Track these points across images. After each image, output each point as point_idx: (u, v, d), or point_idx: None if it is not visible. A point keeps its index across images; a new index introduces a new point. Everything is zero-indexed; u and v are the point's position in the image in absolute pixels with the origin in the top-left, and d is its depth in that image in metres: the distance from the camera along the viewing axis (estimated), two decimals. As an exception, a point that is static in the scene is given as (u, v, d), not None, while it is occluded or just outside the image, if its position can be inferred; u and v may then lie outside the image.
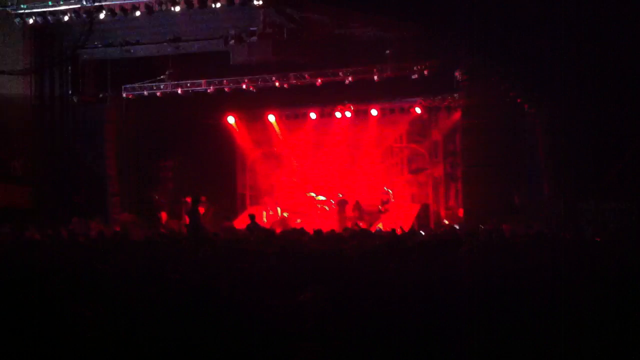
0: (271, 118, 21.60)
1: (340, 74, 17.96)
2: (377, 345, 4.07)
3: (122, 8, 16.21)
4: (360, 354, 3.97)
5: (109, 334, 4.22)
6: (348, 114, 20.65)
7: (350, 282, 6.08)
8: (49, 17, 16.75)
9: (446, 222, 19.38)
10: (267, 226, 18.46)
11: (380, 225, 18.51)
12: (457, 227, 13.93)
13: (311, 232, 12.14)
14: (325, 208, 21.06)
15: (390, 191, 19.92)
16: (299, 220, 19.63)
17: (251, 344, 3.82)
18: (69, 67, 17.80)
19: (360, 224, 18.43)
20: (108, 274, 6.83)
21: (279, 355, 3.67)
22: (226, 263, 6.86)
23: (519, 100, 16.27)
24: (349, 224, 18.24)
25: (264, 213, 19.99)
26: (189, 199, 18.92)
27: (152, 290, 5.55)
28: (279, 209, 20.00)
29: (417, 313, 4.71)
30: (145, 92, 19.07)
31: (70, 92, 18.07)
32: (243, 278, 6.07)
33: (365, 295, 5.45)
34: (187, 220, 17.36)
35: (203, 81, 18.75)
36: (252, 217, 15.66)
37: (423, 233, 12.29)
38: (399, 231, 13.50)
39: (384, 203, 19.56)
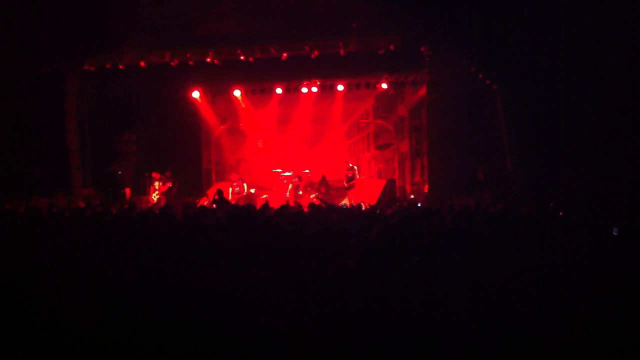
0: (237, 93, 21.36)
1: (306, 48, 17.80)
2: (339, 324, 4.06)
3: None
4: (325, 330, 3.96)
5: (63, 305, 4.13)
6: (314, 89, 20.52)
7: (312, 256, 6.06)
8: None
9: (412, 197, 19.51)
10: (233, 202, 18.38)
11: (345, 201, 18.58)
12: (419, 204, 13.94)
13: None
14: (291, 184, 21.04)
15: (355, 167, 19.90)
16: (265, 196, 19.54)
17: (200, 319, 3.78)
18: (28, 37, 17.30)
19: (318, 199, 18.49)
20: (66, 248, 6.70)
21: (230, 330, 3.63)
22: (185, 238, 6.77)
23: (480, 76, 16.37)
24: (315, 200, 18.26)
25: (230, 189, 19.85)
26: (155, 175, 18.71)
27: (109, 266, 5.46)
28: (245, 185, 19.86)
29: (375, 288, 4.72)
30: (107, 64, 18.67)
31: (29, 62, 17.61)
32: (201, 254, 6.00)
33: (327, 270, 5.44)
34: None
35: (167, 54, 18.41)
36: (220, 192, 15.45)
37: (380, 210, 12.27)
38: (364, 207, 13.52)
39: (349, 179, 19.55)
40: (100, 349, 3.44)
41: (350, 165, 19.81)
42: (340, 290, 4.41)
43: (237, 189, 19.73)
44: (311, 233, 6.96)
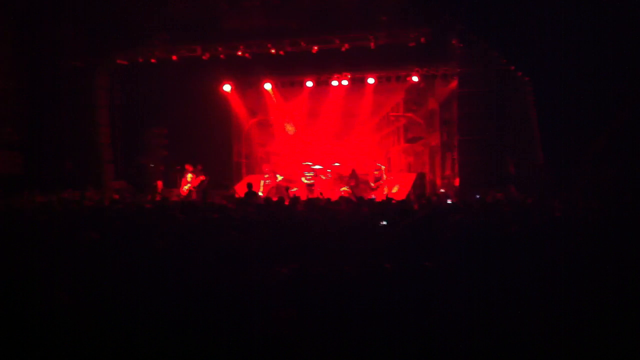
0: (267, 86, 21.38)
1: (337, 41, 17.76)
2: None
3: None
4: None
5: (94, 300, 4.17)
6: (345, 82, 20.45)
7: (340, 250, 6.04)
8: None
9: (442, 191, 19.36)
10: (264, 194, 18.51)
11: (374, 195, 18.53)
12: (450, 201, 13.80)
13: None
14: (321, 177, 20.98)
15: (383, 167, 19.63)
16: (295, 189, 19.57)
17: (227, 315, 3.78)
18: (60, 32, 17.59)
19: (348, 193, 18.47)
20: (96, 241, 6.79)
21: (252, 323, 3.63)
22: (212, 231, 6.80)
23: (512, 68, 16.16)
24: (345, 193, 18.22)
25: (262, 182, 19.94)
26: (188, 166, 18.85)
27: (136, 259, 5.50)
28: (277, 177, 19.89)
29: (402, 279, 4.68)
30: (139, 58, 18.85)
31: (61, 57, 17.90)
32: (229, 248, 6.01)
33: (356, 263, 5.41)
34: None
35: (198, 47, 18.51)
36: (249, 185, 15.55)
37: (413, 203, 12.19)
38: (394, 200, 13.45)
39: (377, 179, 19.38)
40: (98, 347, 3.47)
41: (378, 165, 19.63)
42: (358, 286, 4.39)
43: (269, 181, 19.78)
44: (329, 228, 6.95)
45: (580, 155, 14.14)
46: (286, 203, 10.89)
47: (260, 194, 18.63)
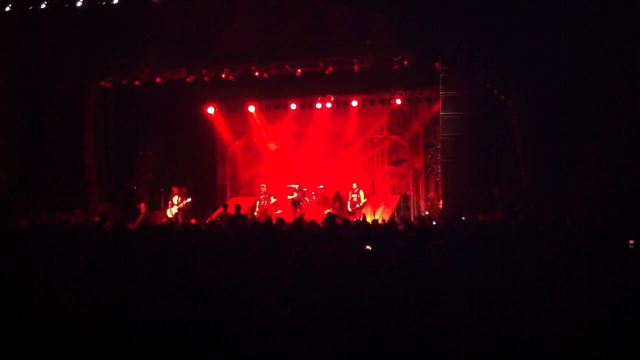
0: (251, 109, 21.44)
1: (321, 64, 17.92)
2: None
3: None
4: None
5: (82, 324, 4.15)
6: (328, 105, 20.57)
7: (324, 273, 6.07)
8: None
9: (427, 213, 19.42)
10: (259, 214, 18.69)
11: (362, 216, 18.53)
12: (434, 222, 13.86)
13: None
14: (306, 199, 20.98)
15: (361, 191, 19.48)
16: (279, 212, 19.55)
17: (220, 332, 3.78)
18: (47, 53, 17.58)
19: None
20: (82, 264, 6.76)
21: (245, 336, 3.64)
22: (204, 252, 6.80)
23: (495, 92, 16.38)
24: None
25: (257, 202, 20.01)
26: (174, 189, 18.73)
27: (124, 280, 5.49)
28: (272, 199, 19.90)
29: (385, 300, 4.71)
30: (124, 81, 18.85)
31: (48, 78, 17.86)
32: (220, 268, 6.02)
33: (342, 284, 5.44)
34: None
35: (182, 70, 18.58)
36: (237, 207, 15.54)
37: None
38: (380, 222, 13.51)
39: (353, 204, 19.31)
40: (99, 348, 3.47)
41: (354, 187, 19.47)
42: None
43: (265, 202, 19.79)
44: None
45: (563, 177, 14.32)
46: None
47: (255, 214, 18.87)
